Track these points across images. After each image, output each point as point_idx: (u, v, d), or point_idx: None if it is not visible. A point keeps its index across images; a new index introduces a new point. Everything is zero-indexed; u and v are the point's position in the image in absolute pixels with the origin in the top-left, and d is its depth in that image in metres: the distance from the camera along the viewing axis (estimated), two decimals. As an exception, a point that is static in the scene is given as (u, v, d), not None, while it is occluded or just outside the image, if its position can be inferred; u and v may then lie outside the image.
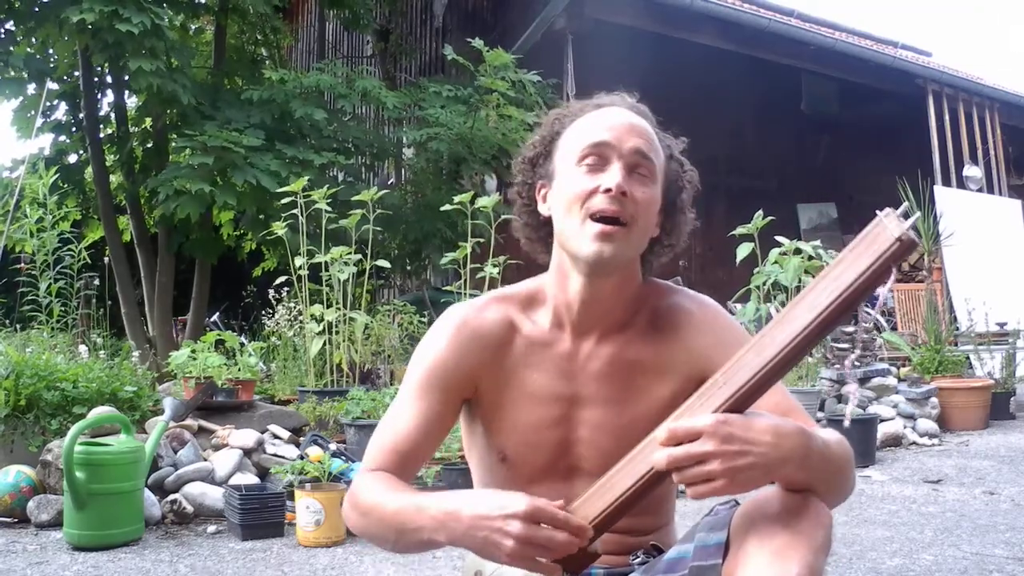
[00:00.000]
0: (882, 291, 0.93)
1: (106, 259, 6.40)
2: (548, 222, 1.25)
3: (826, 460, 1.04)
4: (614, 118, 1.22)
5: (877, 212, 0.93)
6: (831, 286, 0.93)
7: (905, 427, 5.21)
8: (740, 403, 0.98)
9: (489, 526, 1.03)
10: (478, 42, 6.17)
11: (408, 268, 6.85)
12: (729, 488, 0.96)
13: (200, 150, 5.48)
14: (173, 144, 6.26)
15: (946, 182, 8.59)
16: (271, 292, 5.49)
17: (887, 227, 0.91)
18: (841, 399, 5.26)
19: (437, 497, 1.11)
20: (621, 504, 1.05)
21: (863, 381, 5.43)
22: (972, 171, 8.95)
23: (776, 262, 4.56)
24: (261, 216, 5.87)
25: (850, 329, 5.83)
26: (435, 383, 1.25)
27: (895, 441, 5.06)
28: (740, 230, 4.65)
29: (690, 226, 1.30)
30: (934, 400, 5.61)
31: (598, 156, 1.18)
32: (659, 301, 1.28)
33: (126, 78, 6.37)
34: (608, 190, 1.15)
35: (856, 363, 5.31)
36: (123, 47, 5.43)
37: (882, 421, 5.01)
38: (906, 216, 0.92)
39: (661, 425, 1.00)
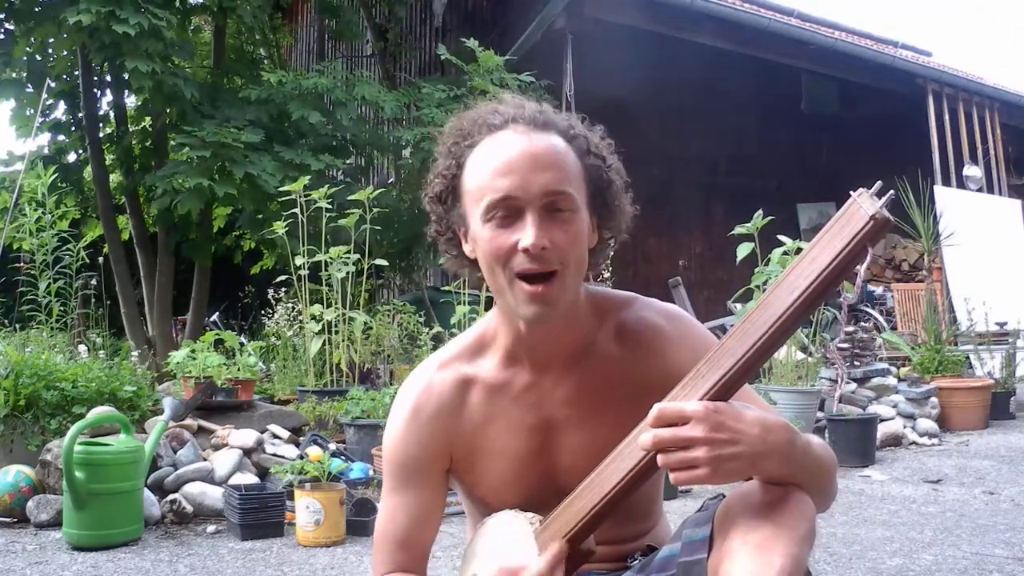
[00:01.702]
0: (860, 269, 0.93)
1: (100, 259, 6.40)
2: (475, 260, 1.17)
3: (809, 458, 1.04)
4: (512, 156, 1.09)
5: (851, 192, 0.93)
6: (809, 268, 0.93)
7: (905, 427, 5.21)
8: (726, 390, 0.98)
9: None
10: (472, 42, 6.17)
11: (399, 266, 6.85)
12: (712, 477, 0.95)
13: (199, 146, 5.49)
14: (172, 143, 6.26)
15: (946, 182, 8.59)
16: (270, 292, 5.49)
17: (861, 206, 0.91)
18: (841, 399, 5.25)
19: None
20: (610, 501, 1.04)
21: (863, 381, 5.43)
22: (972, 171, 8.94)
23: (779, 262, 4.56)
24: (259, 215, 5.87)
25: (850, 329, 5.83)
26: (408, 475, 1.24)
27: (895, 441, 5.06)
28: (739, 230, 4.65)
29: (629, 214, 1.21)
30: (934, 400, 5.61)
31: (505, 210, 1.08)
32: (621, 315, 1.22)
33: (125, 77, 6.39)
34: (526, 250, 1.06)
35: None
36: (120, 48, 5.43)
37: (882, 421, 5.01)
38: (880, 195, 0.92)
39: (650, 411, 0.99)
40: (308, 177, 5.01)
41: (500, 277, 1.11)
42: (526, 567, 1.06)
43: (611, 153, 1.20)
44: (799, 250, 4.59)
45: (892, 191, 0.92)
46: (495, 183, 1.09)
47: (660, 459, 0.97)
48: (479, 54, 6.13)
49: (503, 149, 1.10)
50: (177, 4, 6.57)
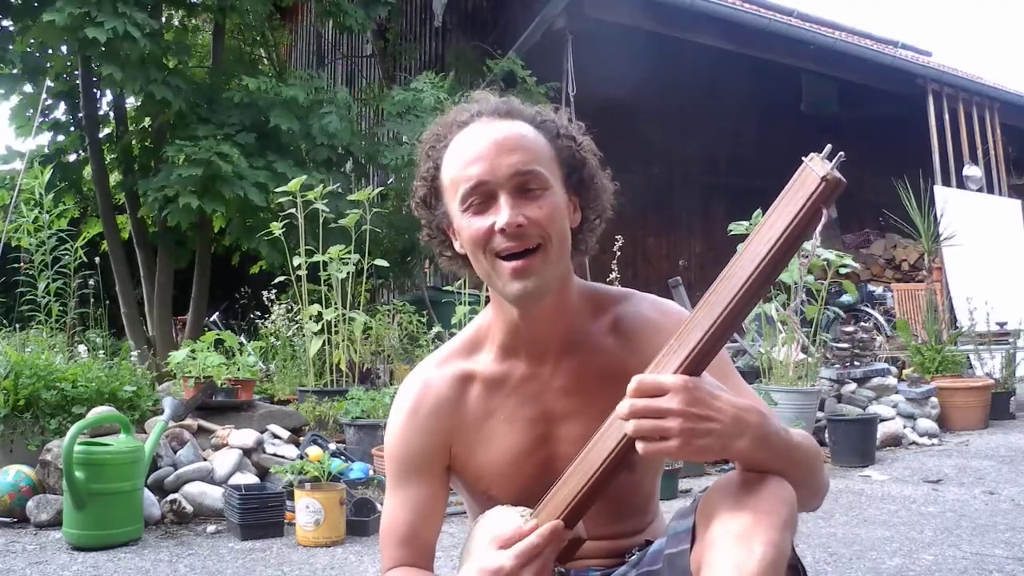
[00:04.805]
0: (816, 232, 0.95)
1: (97, 259, 6.40)
2: (466, 256, 1.21)
3: (787, 445, 1.04)
4: (479, 144, 1.14)
5: (803, 158, 0.94)
6: (767, 235, 0.95)
7: (905, 427, 5.21)
8: (696, 363, 0.99)
9: None
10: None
11: (397, 268, 6.85)
12: (682, 451, 0.96)
13: (188, 162, 5.47)
14: (165, 152, 6.23)
15: (946, 182, 8.59)
16: (266, 293, 5.49)
17: (813, 169, 0.93)
18: (841, 399, 5.25)
19: None
20: (595, 483, 1.05)
21: (863, 381, 5.43)
22: (972, 171, 8.95)
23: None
24: (250, 223, 5.86)
25: (849, 329, 5.83)
26: (408, 472, 1.26)
27: (895, 441, 5.06)
28: (739, 229, 4.65)
29: (610, 190, 1.24)
30: (934, 400, 5.60)
31: (479, 196, 1.12)
32: (618, 309, 1.25)
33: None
34: (503, 230, 1.10)
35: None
36: (96, 50, 5.41)
37: (882, 421, 5.01)
38: (831, 157, 0.93)
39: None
40: (304, 177, 5.00)
41: (483, 262, 1.15)
42: (520, 533, 1.07)
43: (582, 134, 1.23)
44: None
45: (842, 152, 0.93)
46: (466, 172, 1.13)
47: (632, 425, 0.96)
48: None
49: (470, 140, 1.16)
50: (168, 11, 6.53)
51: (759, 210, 4.62)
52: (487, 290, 1.25)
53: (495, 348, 1.25)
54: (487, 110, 1.18)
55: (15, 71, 6.33)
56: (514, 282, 1.13)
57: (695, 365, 0.99)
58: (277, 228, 4.86)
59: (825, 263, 4.91)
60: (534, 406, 1.22)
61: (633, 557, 1.22)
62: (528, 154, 1.14)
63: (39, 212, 5.38)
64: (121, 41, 5.30)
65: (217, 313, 8.54)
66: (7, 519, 3.15)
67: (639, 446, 0.97)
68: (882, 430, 4.94)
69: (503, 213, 1.11)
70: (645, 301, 1.27)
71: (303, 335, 4.88)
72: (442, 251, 1.25)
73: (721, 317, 0.97)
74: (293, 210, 4.79)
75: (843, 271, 4.99)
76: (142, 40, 5.36)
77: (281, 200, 4.84)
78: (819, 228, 0.93)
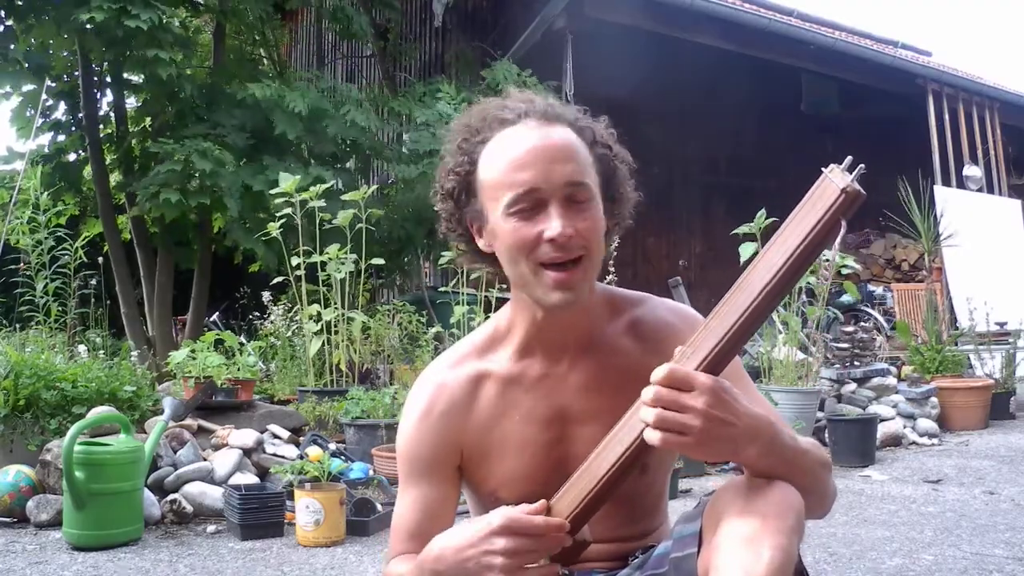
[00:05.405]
0: (836, 244, 0.95)
1: (100, 259, 6.40)
2: (491, 254, 1.20)
3: (795, 453, 1.05)
4: (531, 149, 1.11)
5: (822, 169, 0.94)
6: (785, 245, 0.95)
7: (905, 427, 5.21)
8: (710, 369, 0.99)
9: (474, 553, 1.06)
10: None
11: (393, 265, 6.85)
12: (695, 449, 0.97)
13: (171, 160, 5.50)
14: (148, 147, 6.23)
15: (946, 182, 8.59)
16: (265, 294, 5.49)
17: (833, 181, 0.93)
18: (841, 399, 5.25)
19: (427, 548, 1.14)
20: (604, 485, 1.05)
21: (863, 381, 5.43)
22: (972, 171, 8.94)
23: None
24: (248, 226, 5.86)
25: (849, 329, 5.83)
26: (419, 472, 1.26)
27: (895, 441, 5.06)
28: (742, 229, 4.64)
29: (633, 200, 1.24)
30: (934, 400, 5.60)
31: (528, 202, 1.10)
32: (636, 311, 1.26)
33: (126, 77, 6.39)
34: (553, 240, 1.09)
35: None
36: (129, 43, 5.50)
37: (882, 421, 5.01)
38: (851, 169, 0.93)
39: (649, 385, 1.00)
40: (299, 177, 4.99)
41: (524, 267, 1.13)
42: (525, 508, 1.07)
43: (615, 142, 1.23)
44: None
45: (863, 164, 0.93)
46: (517, 177, 1.11)
47: (654, 414, 0.96)
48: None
49: (521, 143, 1.13)
50: (183, 4, 6.61)
51: (763, 210, 4.63)
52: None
53: (513, 347, 1.25)
54: (535, 112, 1.15)
55: (16, 67, 6.33)
56: (555, 292, 1.12)
57: (708, 372, 0.99)
58: (274, 228, 4.85)
59: (825, 263, 4.91)
60: (550, 404, 1.22)
61: (636, 560, 1.22)
62: (579, 165, 1.13)
63: (33, 212, 5.38)
64: (156, 29, 5.44)
65: (217, 313, 8.53)
66: (7, 519, 3.15)
67: (655, 436, 0.97)
68: (882, 430, 4.94)
69: (555, 224, 1.09)
70: (663, 305, 1.28)
71: (303, 335, 4.87)
72: (459, 244, 1.24)
73: (735, 327, 0.97)
74: (290, 210, 4.78)
75: (844, 272, 4.99)
76: (175, 27, 5.48)
77: (277, 201, 4.84)
78: (838, 240, 0.93)
